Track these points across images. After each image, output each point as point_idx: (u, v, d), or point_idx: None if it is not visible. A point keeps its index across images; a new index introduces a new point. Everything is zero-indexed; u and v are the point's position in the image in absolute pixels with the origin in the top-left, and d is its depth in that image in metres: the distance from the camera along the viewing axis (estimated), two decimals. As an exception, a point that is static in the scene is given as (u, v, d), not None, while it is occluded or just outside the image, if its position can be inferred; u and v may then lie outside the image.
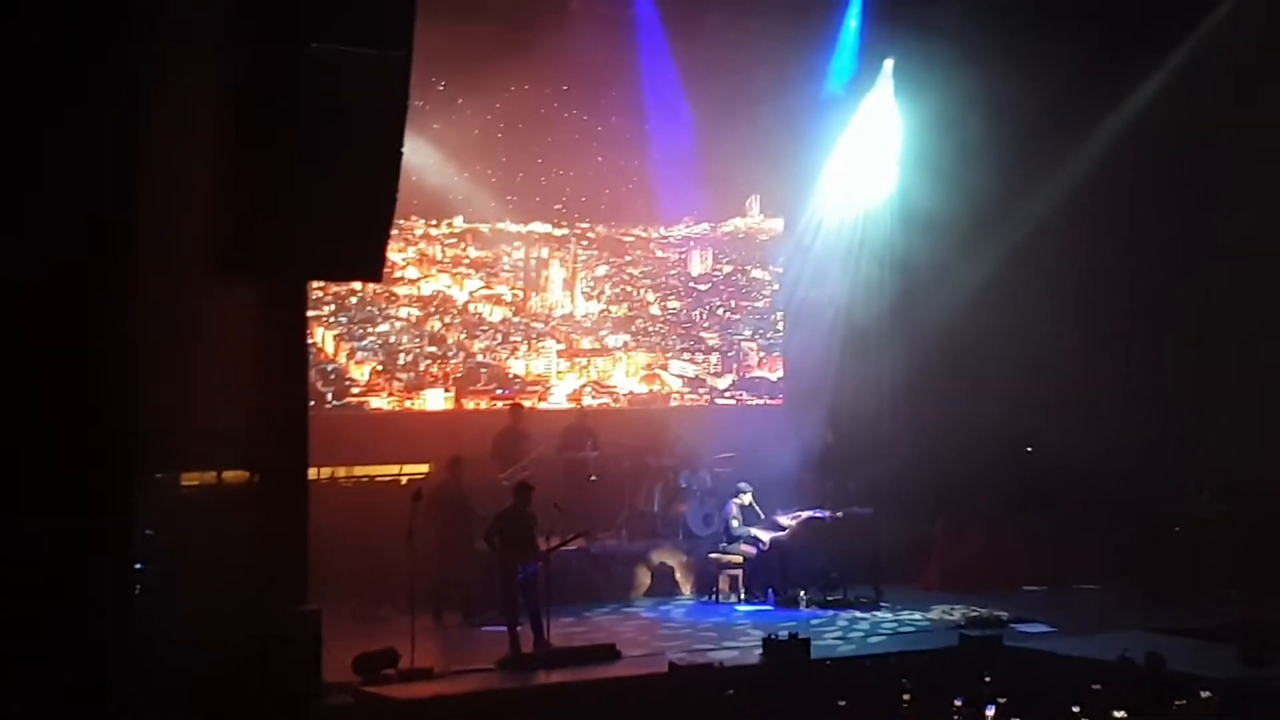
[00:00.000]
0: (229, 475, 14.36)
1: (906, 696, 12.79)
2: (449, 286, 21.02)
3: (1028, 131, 20.73)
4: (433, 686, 14.30)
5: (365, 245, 13.00)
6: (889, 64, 21.79)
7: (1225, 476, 19.14)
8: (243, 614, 13.01)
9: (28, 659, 10.90)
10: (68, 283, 11.62)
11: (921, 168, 21.35)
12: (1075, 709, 12.31)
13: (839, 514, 19.41)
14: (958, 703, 12.67)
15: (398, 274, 20.19)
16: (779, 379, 23.12)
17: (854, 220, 22.27)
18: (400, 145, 12.79)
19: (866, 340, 21.90)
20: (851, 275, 22.06)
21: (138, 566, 12.67)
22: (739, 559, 19.09)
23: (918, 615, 18.17)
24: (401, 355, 20.58)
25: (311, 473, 14.68)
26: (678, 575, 19.63)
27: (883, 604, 18.63)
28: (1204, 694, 12.80)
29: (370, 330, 20.37)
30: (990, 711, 12.44)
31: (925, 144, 21.33)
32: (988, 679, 13.67)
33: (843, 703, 12.68)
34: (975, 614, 17.78)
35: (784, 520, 19.23)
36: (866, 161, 22.13)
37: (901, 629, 17.50)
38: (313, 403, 15.30)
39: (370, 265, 13.31)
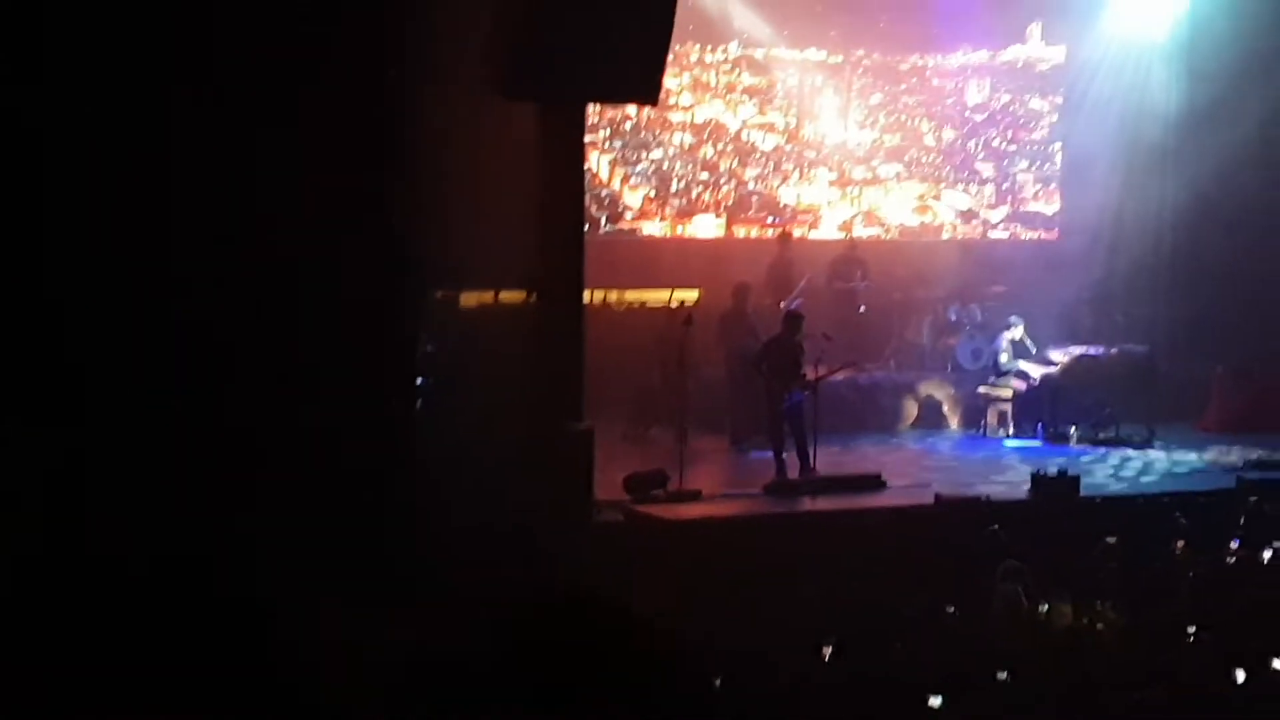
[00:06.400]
0: (506, 295, 14.71)
1: (1180, 543, 12.56)
2: (722, 113, 20.96)
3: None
4: (700, 508, 14.54)
5: (642, 67, 13.08)
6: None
7: None
8: (518, 429, 13.40)
9: (313, 469, 11.40)
10: (356, 103, 11.91)
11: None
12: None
13: (1113, 350, 19.02)
14: (1233, 545, 12.43)
15: (671, 100, 20.19)
16: (1055, 213, 22.59)
17: (1139, 48, 21.41)
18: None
19: (1148, 175, 21.18)
20: (1136, 108, 21.26)
21: (419, 381, 13.12)
22: (1008, 393, 18.85)
23: (1193, 456, 17.73)
24: (674, 181, 20.67)
25: (585, 295, 14.94)
26: (945, 408, 19.51)
27: (1156, 443, 18.19)
28: None
29: (644, 156, 20.48)
30: (1267, 555, 12.19)
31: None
32: (1265, 522, 13.36)
33: (1112, 540, 12.53)
34: (1254, 456, 17.28)
35: (1056, 355, 18.92)
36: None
37: (1175, 469, 17.14)
38: (587, 227, 15.48)
39: (647, 87, 13.39)
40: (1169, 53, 21.11)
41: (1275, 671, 9.39)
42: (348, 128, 11.73)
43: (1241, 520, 13.59)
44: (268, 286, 11.27)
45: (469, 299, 15.05)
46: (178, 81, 10.98)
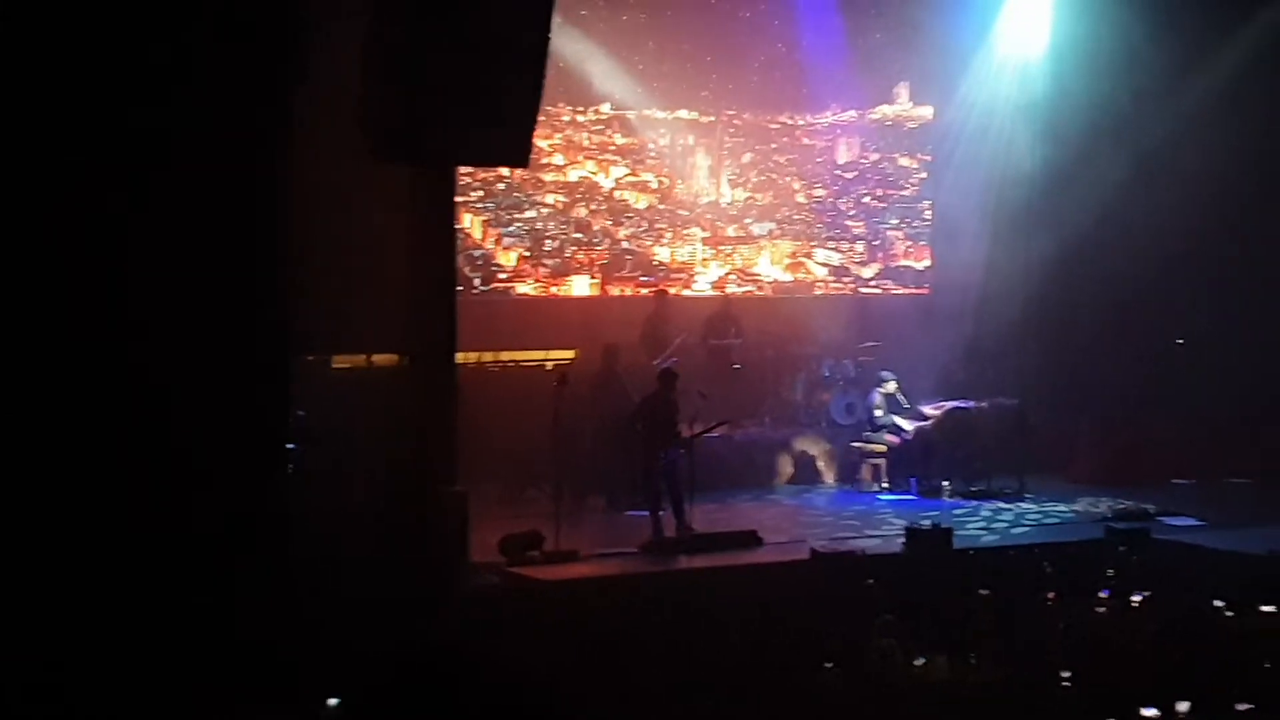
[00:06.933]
0: (379, 358, 14.62)
1: (1051, 594, 12.69)
2: (595, 173, 21.06)
3: (1187, 24, 20.05)
4: (577, 568, 14.46)
5: (513, 130, 13.08)
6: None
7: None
8: (391, 494, 13.28)
9: (181, 535, 11.18)
10: (222, 168, 11.78)
11: (1074, 56, 20.83)
12: (1220, 603, 12.16)
13: (984, 404, 19.27)
14: (1103, 594, 12.58)
15: (544, 160, 20.25)
16: (925, 268, 22.90)
17: (1004, 108, 21.81)
18: (547, 30, 12.80)
19: (1014, 232, 21.52)
20: (1001, 167, 21.62)
21: (290, 447, 12.95)
22: (882, 448, 19.05)
23: (1063, 507, 17.99)
24: (548, 242, 20.70)
25: (459, 357, 14.88)
26: (820, 464, 19.63)
27: (1027, 495, 18.47)
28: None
29: (517, 216, 20.50)
30: (1135, 601, 12.35)
31: (1080, 32, 20.79)
32: (1133, 571, 13.54)
33: (985, 592, 12.63)
34: (1122, 506, 17.56)
35: (928, 410, 19.13)
36: (1019, 48, 21.65)
37: (1046, 520, 17.37)
38: (460, 288, 15.43)
39: (517, 151, 13.39)
40: (1030, 115, 21.50)
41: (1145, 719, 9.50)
42: (214, 190, 11.59)
43: (1110, 570, 13.76)
44: (129, 351, 11.07)
45: (341, 363, 14.94)
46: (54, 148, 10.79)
